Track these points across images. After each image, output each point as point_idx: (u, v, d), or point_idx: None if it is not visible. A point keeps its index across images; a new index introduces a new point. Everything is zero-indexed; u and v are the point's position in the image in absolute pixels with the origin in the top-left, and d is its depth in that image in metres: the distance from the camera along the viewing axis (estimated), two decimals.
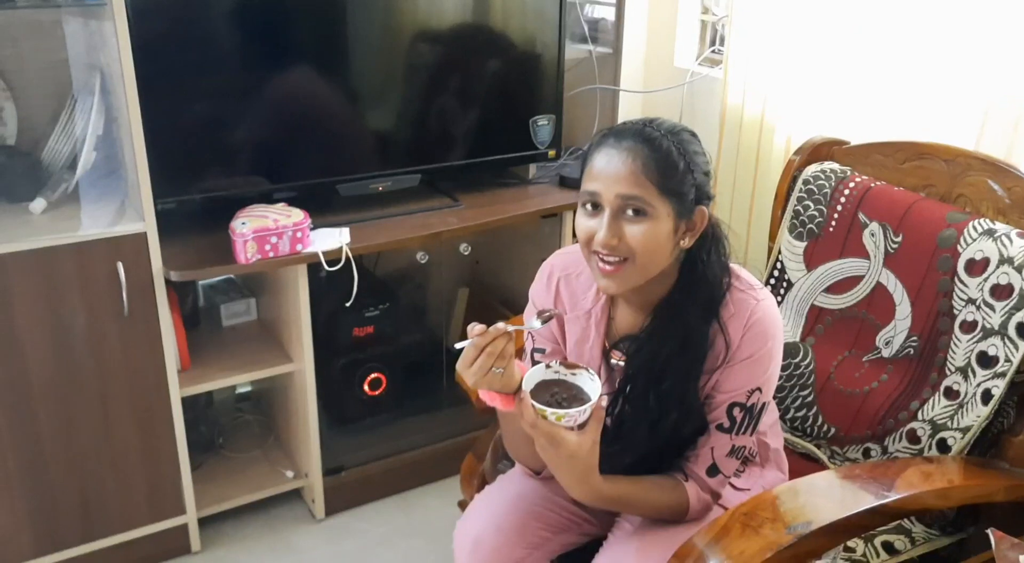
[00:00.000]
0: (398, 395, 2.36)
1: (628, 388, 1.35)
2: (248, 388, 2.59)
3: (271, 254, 1.90)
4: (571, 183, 2.34)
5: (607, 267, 1.25)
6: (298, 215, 1.94)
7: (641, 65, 2.54)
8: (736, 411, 1.31)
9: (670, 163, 1.22)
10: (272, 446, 2.40)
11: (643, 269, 1.26)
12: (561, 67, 2.31)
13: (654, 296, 1.33)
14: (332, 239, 1.99)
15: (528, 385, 1.23)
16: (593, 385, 1.24)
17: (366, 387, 2.32)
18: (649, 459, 1.35)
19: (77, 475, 1.94)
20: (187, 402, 2.05)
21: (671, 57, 2.52)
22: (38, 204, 1.83)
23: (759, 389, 1.30)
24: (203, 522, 2.17)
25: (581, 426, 1.20)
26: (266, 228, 1.88)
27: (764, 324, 1.29)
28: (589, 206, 1.26)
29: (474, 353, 1.19)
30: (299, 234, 1.93)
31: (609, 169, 1.23)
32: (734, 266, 1.34)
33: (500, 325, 1.19)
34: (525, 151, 2.31)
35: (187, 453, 2.05)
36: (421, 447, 2.38)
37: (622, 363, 1.38)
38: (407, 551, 2.20)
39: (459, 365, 1.21)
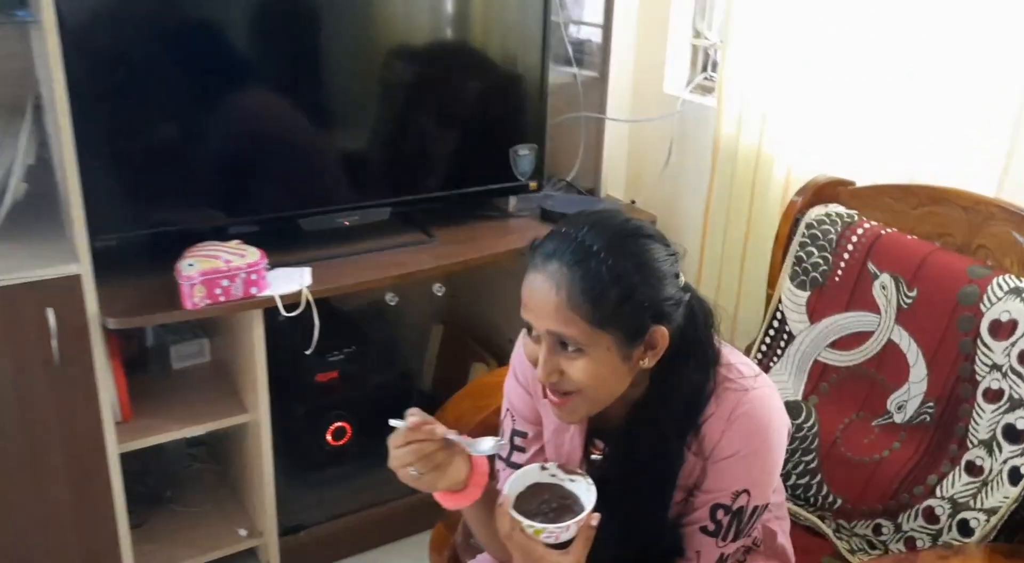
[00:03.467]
0: (364, 444, 2.18)
1: (604, 490, 1.19)
2: (201, 432, 2.40)
3: (222, 298, 1.72)
4: (554, 217, 2.17)
5: (555, 398, 1.10)
6: (254, 254, 1.76)
7: (629, 91, 2.39)
8: (720, 514, 1.13)
9: (602, 292, 1.02)
10: (226, 498, 2.21)
11: (594, 401, 1.10)
12: (544, 91, 2.15)
13: (629, 398, 1.16)
14: (291, 281, 1.81)
15: (516, 487, 1.08)
16: (589, 497, 1.08)
17: (329, 437, 2.14)
18: None
19: (3, 537, 1.74)
20: (129, 454, 1.86)
21: (660, 83, 2.36)
22: None
23: (747, 491, 1.12)
24: None
25: (565, 544, 1.04)
26: (216, 270, 1.70)
27: (752, 418, 1.10)
28: (527, 329, 1.10)
29: (401, 441, 1.06)
30: (254, 276, 1.74)
31: (536, 300, 1.05)
32: (725, 351, 1.16)
33: (439, 430, 1.06)
34: (505, 182, 2.15)
35: (125, 514, 1.86)
36: (389, 501, 2.20)
37: (602, 457, 1.22)
38: None
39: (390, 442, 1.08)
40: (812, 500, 1.63)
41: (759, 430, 1.11)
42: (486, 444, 1.11)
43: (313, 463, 2.18)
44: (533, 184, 2.17)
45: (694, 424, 1.11)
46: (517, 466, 1.27)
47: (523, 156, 2.12)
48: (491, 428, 1.48)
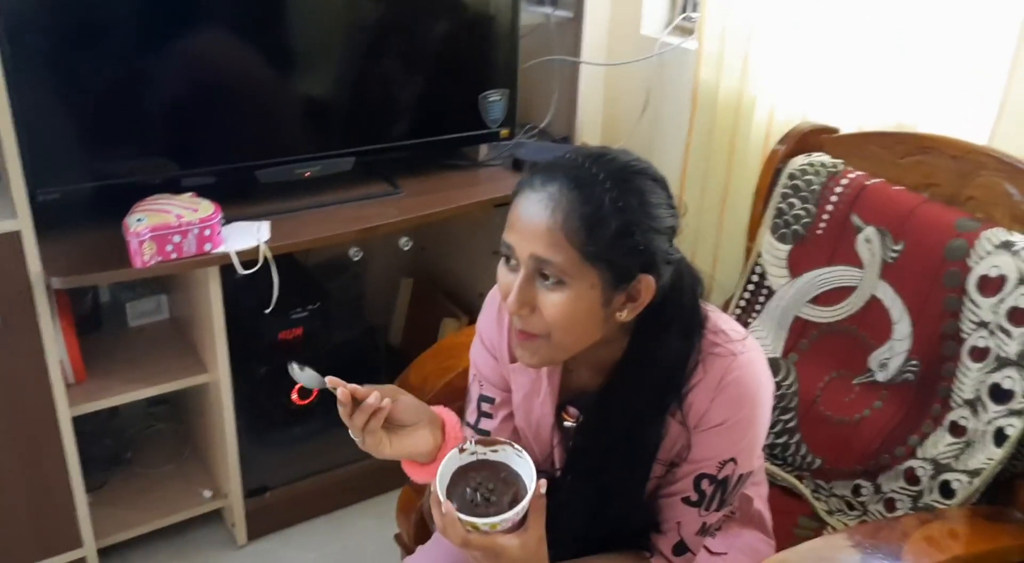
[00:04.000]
0: (330, 404, 2.06)
1: (576, 460, 1.12)
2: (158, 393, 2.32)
3: (174, 255, 1.63)
4: (525, 166, 2.08)
5: (520, 333, 1.03)
6: (208, 208, 1.67)
7: (605, 33, 2.27)
8: (705, 484, 1.07)
9: (600, 221, 0.95)
10: (189, 459, 2.14)
11: (560, 347, 1.02)
12: (515, 33, 2.03)
13: (604, 360, 1.09)
14: (248, 236, 1.72)
15: (442, 484, 1.00)
16: (524, 464, 1.01)
17: (294, 396, 2.07)
18: (590, 544, 1.12)
19: None
20: (85, 417, 1.78)
21: (638, 24, 2.25)
22: None
23: (733, 460, 1.06)
24: (105, 552, 1.91)
25: (520, 523, 0.97)
26: (167, 225, 1.60)
27: (741, 385, 1.04)
28: (504, 258, 1.02)
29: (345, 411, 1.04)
30: (208, 231, 1.65)
31: (525, 220, 0.97)
32: (712, 315, 1.09)
33: (371, 399, 1.03)
34: (474, 130, 2.04)
35: (80, 478, 1.79)
36: (355, 462, 2.13)
37: (575, 425, 1.15)
38: None
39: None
40: (790, 460, 1.58)
41: (749, 396, 1.05)
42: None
43: (277, 423, 2.12)
44: (504, 132, 2.07)
45: (677, 394, 1.05)
46: (486, 433, 1.21)
47: (493, 102, 2.01)
48: (457, 391, 1.41)
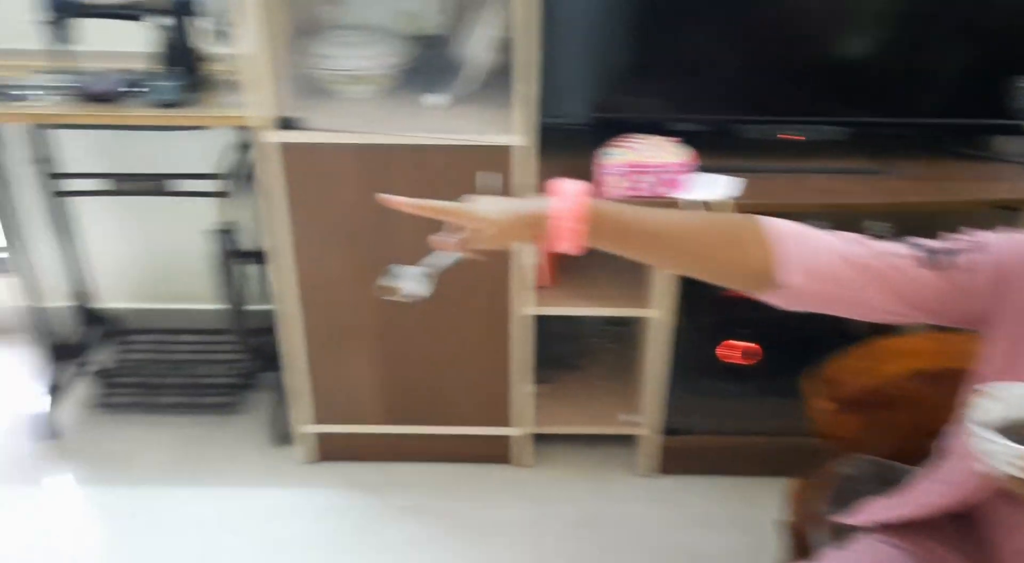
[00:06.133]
0: (768, 371, 2.08)
1: None
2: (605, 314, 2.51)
3: (639, 193, 1.73)
4: None
5: None
6: (681, 155, 1.73)
7: None
8: None
9: None
10: (625, 382, 2.30)
11: None
12: None
13: None
14: (712, 188, 1.75)
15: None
16: None
17: (733, 352, 2.08)
18: None
19: (427, 359, 2.04)
20: (553, 319, 2.01)
21: None
22: (433, 99, 1.87)
23: None
24: (540, 438, 2.18)
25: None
26: (638, 164, 1.71)
27: None
28: None
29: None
30: (674, 177, 1.72)
31: None
32: None
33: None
34: (992, 118, 1.78)
35: (530, 369, 2.04)
36: (777, 435, 2.09)
37: None
38: (719, 539, 2.01)
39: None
40: None
41: None
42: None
43: (710, 373, 2.15)
44: None
45: None
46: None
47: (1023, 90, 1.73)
48: (883, 396, 1.31)
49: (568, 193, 1.04)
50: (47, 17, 1.87)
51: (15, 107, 1.84)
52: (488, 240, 1.06)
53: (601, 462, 2.21)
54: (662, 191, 1.73)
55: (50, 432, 2.24)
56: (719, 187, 1.76)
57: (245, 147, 2.03)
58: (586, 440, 2.21)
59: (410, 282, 1.10)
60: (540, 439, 2.19)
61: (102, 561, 1.97)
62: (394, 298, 1.09)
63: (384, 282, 1.10)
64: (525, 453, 2.18)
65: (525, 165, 1.77)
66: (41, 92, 1.90)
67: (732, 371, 2.12)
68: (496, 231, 1.05)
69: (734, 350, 2.11)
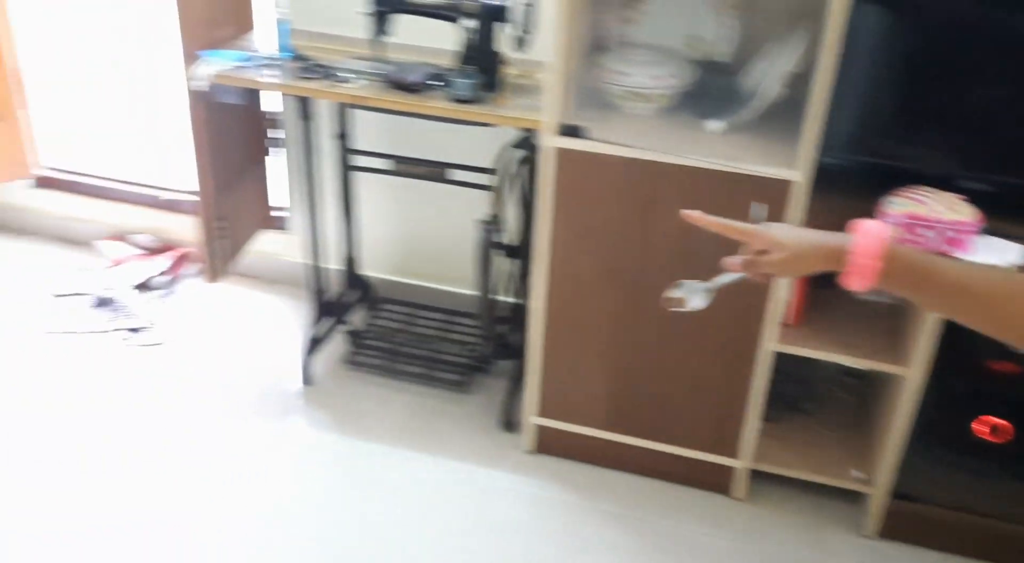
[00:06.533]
0: (1015, 452, 1.94)
1: None
2: (852, 365, 2.41)
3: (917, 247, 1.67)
4: None
5: None
6: (967, 213, 1.66)
7: None
8: None
9: None
10: (855, 435, 2.22)
11: None
12: None
13: None
14: (1003, 254, 1.66)
15: None
16: None
17: (984, 428, 1.95)
18: None
19: (660, 376, 2.07)
20: (785, 356, 1.99)
21: None
22: (715, 124, 1.89)
23: None
24: (755, 474, 2.15)
25: None
26: (920, 217, 1.65)
27: None
28: None
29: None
30: (957, 235, 1.64)
31: None
32: None
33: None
34: None
35: (761, 405, 2.02)
36: (1015, 522, 1.95)
37: None
38: None
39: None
40: None
41: None
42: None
43: (956, 444, 2.03)
44: None
45: None
46: None
47: None
48: None
49: (871, 232, 1.04)
50: (372, 10, 2.07)
51: (335, 87, 2.06)
52: (776, 265, 1.09)
53: (816, 511, 2.15)
54: (945, 249, 1.66)
55: (306, 378, 2.48)
56: (1008, 253, 1.66)
57: (519, 147, 2.15)
58: (802, 485, 2.16)
59: (696, 296, 1.15)
60: (755, 475, 2.16)
61: (325, 498, 2.15)
62: (678, 309, 1.15)
63: (672, 293, 1.16)
64: (741, 486, 2.16)
65: (798, 201, 1.76)
66: (353, 75, 2.10)
67: (979, 445, 1.99)
68: (788, 257, 1.07)
69: (985, 424, 1.99)
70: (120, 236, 2.97)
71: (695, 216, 1.13)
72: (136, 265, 2.84)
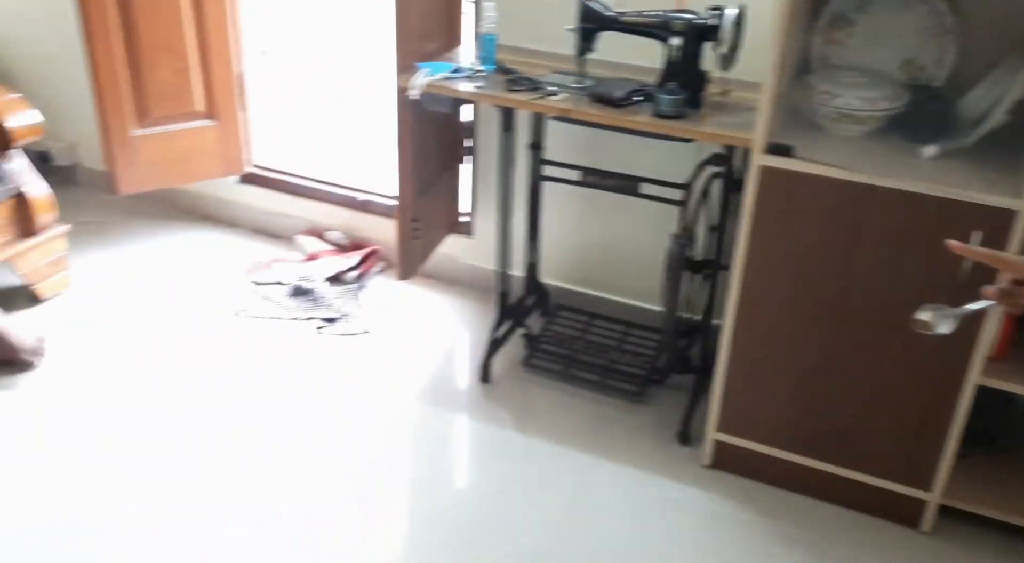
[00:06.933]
0: None
1: None
2: None
3: None
4: None
5: None
6: None
7: None
8: None
9: None
10: None
11: None
12: None
13: None
14: None
15: None
16: None
17: None
18: None
19: (853, 401, 2.04)
20: (987, 390, 1.93)
21: None
22: (929, 149, 1.85)
23: None
24: (944, 509, 2.09)
25: None
26: None
27: None
28: None
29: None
30: None
31: None
32: None
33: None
34: None
35: (956, 437, 1.96)
36: None
37: None
38: None
39: None
40: None
41: None
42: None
43: None
44: None
45: None
46: None
47: None
48: None
49: None
50: (579, 27, 2.14)
51: (543, 100, 2.13)
52: None
53: (1004, 552, 2.06)
54: None
55: (485, 376, 2.58)
56: None
57: (712, 164, 2.16)
58: (992, 524, 2.07)
59: (945, 321, 1.15)
60: (942, 510, 2.09)
61: (501, 490, 2.22)
62: (925, 332, 1.16)
63: (921, 316, 1.16)
64: (929, 520, 2.10)
65: (1022, 231, 1.71)
66: (556, 88, 2.18)
67: None
68: None
69: None
70: (316, 232, 3.16)
71: (960, 246, 1.14)
72: (330, 260, 3.01)
